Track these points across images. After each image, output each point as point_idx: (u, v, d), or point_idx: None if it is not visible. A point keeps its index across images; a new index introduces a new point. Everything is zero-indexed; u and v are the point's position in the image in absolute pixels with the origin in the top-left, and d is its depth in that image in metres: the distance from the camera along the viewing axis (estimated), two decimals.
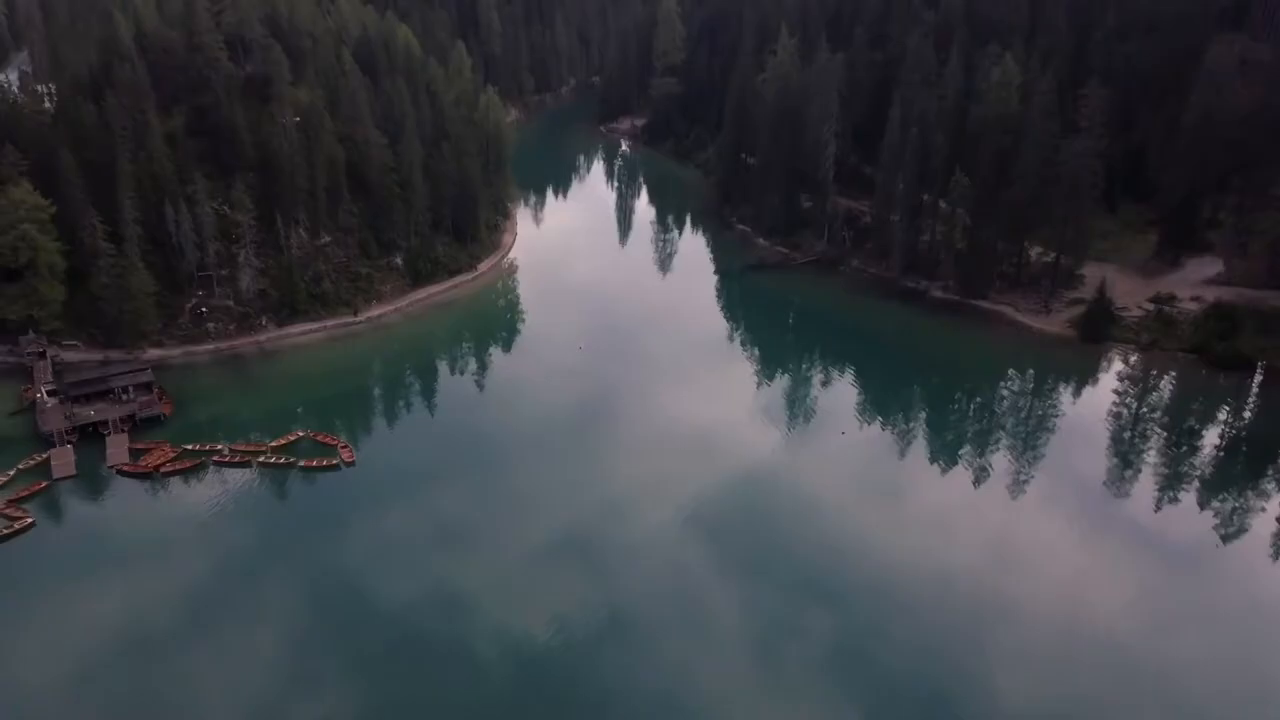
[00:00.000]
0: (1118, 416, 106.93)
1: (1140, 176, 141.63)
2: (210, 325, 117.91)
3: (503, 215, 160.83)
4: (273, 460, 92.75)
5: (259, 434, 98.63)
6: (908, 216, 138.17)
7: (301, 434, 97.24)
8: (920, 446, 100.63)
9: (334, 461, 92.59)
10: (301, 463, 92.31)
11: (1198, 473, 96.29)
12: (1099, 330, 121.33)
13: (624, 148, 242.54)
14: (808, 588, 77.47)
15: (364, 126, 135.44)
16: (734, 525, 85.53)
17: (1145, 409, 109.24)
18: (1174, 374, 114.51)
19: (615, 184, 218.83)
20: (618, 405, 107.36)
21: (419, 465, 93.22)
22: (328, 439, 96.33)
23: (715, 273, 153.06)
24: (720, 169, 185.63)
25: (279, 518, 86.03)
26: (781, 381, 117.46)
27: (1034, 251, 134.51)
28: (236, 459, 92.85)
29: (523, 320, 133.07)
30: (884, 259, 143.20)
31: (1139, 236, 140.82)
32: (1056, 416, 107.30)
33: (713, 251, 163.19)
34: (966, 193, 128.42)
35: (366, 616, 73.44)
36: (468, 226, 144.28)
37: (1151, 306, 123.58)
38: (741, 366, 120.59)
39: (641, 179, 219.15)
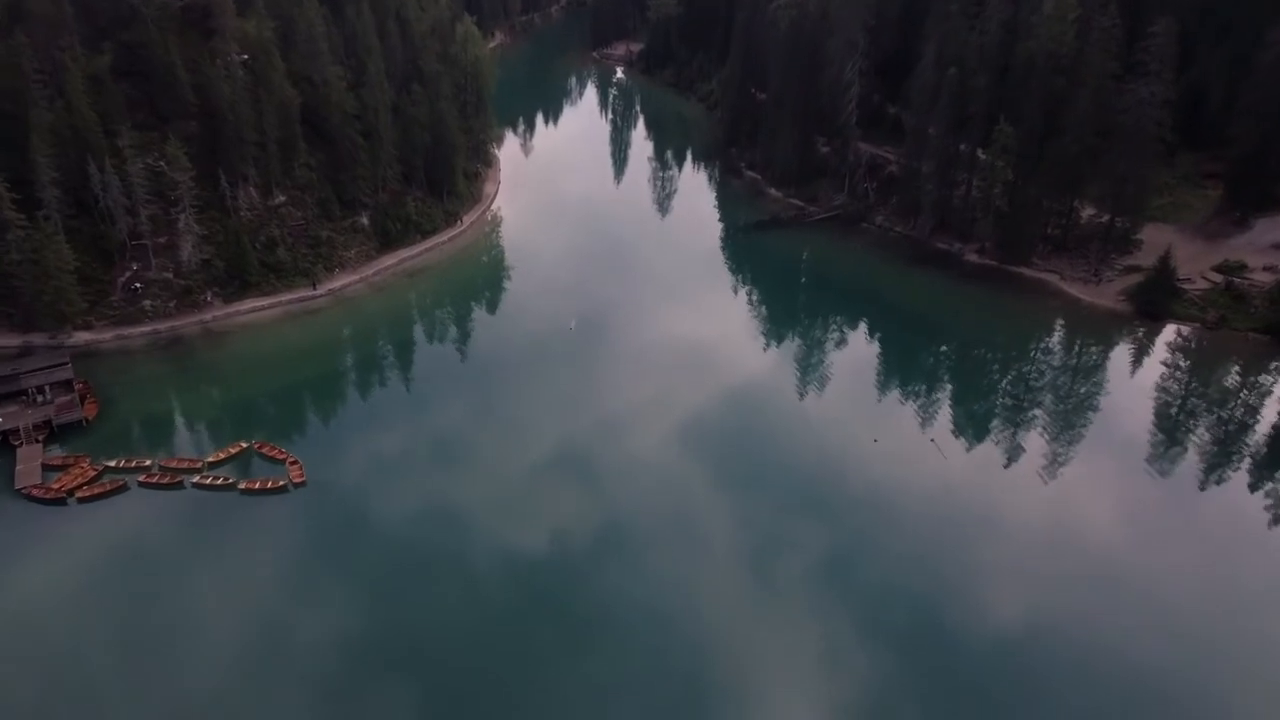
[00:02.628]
0: (1179, 410, 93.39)
1: (1199, 121, 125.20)
2: (147, 303, 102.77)
3: (483, 163, 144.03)
4: (209, 480, 78.99)
5: (197, 442, 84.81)
6: (941, 169, 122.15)
7: (245, 445, 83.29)
8: (958, 447, 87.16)
9: (280, 482, 78.81)
10: (242, 484, 78.52)
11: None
12: (1158, 305, 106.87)
13: (619, 74, 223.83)
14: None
15: (323, 65, 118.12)
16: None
17: (1217, 407, 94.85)
18: (1246, 359, 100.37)
19: (609, 117, 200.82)
20: (616, 396, 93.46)
21: (380, 484, 79.14)
22: (275, 452, 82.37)
23: (721, 230, 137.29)
24: (726, 105, 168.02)
25: (208, 561, 70.66)
26: (793, 359, 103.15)
27: (1085, 212, 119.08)
28: (166, 479, 79.02)
29: (507, 288, 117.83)
30: (912, 216, 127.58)
31: (1198, 192, 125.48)
32: (1105, 415, 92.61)
33: (718, 203, 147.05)
34: (1010, 143, 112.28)
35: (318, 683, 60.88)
36: (444, 179, 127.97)
37: (1219, 278, 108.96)
38: (752, 344, 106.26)
39: (639, 111, 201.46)
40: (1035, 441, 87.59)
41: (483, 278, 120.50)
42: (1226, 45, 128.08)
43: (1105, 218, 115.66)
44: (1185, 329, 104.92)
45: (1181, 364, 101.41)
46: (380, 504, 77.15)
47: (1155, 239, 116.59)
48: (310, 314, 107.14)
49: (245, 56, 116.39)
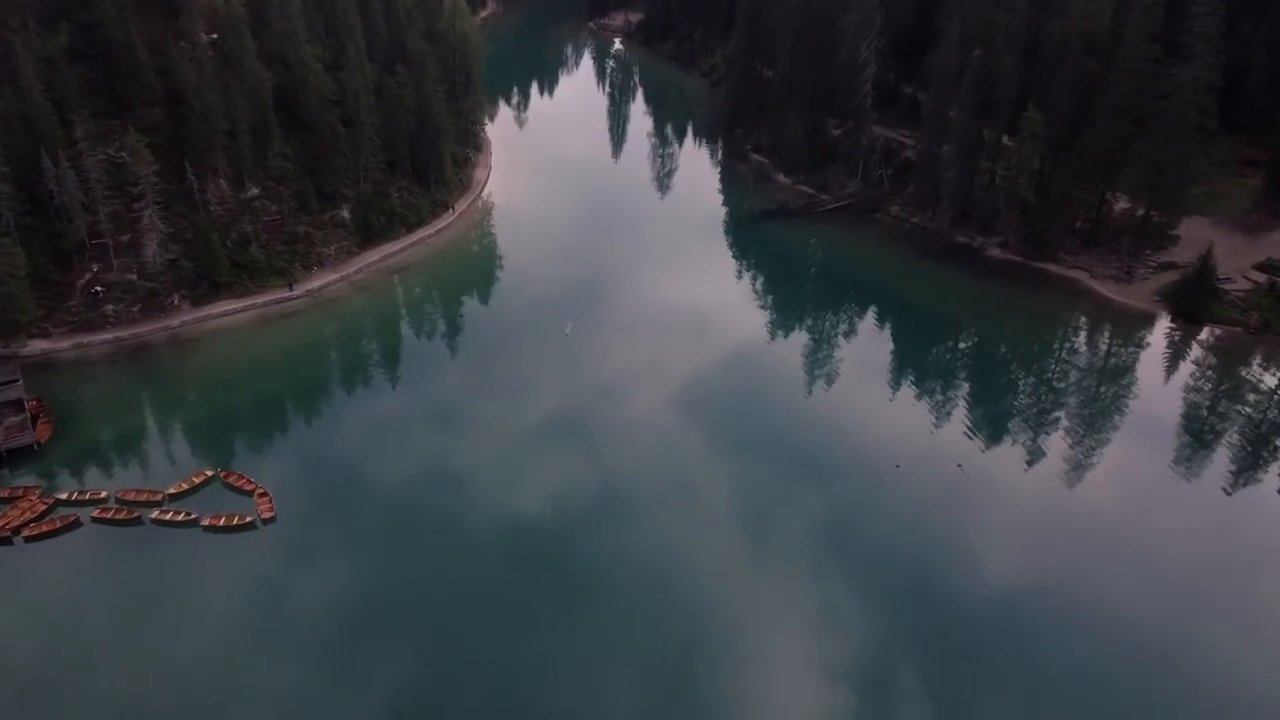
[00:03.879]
0: (1223, 426, 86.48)
1: (1238, 103, 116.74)
2: (108, 308, 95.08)
3: (474, 147, 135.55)
4: (169, 515, 71.93)
5: (158, 469, 77.45)
6: (962, 156, 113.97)
7: (210, 473, 76.14)
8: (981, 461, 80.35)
9: (248, 518, 71.73)
10: (205, 520, 71.46)
11: None
12: (1197, 307, 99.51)
13: (617, 45, 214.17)
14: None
15: (298, 44, 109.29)
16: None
17: (1268, 427, 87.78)
18: None
19: (607, 91, 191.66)
20: (615, 400, 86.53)
21: (357, 519, 72.10)
22: (243, 482, 75.20)
23: (727, 220, 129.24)
24: (730, 82, 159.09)
25: (160, 614, 62.99)
26: (800, 358, 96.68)
27: (1117, 205, 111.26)
28: (123, 514, 71.93)
29: (499, 285, 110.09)
30: (929, 206, 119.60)
31: (1235, 180, 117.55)
32: (1139, 431, 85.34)
33: (723, 190, 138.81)
34: (1038, 130, 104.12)
35: None
36: (431, 166, 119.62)
37: (1262, 277, 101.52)
38: (757, 343, 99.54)
39: (637, 84, 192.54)
40: (1058, 444, 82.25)
41: (473, 274, 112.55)
42: (1268, 20, 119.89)
43: (1140, 211, 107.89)
44: (1225, 333, 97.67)
45: (1224, 373, 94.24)
46: (355, 542, 70.11)
47: (1190, 233, 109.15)
48: (286, 318, 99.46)
49: (214, 35, 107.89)
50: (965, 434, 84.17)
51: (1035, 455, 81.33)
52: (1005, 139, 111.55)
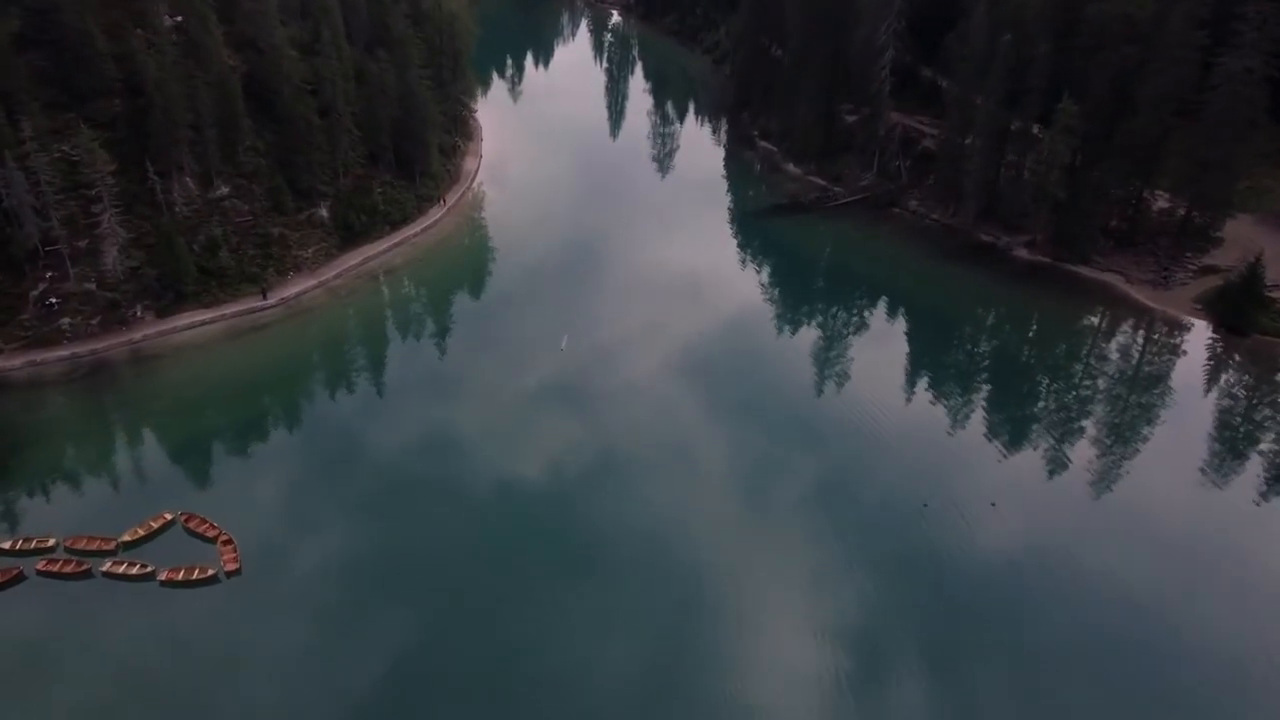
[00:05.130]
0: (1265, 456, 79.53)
1: None
2: (65, 321, 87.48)
3: (462, 135, 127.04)
4: (122, 568, 64.91)
5: (113, 511, 70.07)
6: (988, 149, 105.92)
7: (170, 516, 69.00)
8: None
9: (209, 571, 64.74)
10: (163, 575, 64.47)
11: None
12: (1243, 317, 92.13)
13: (615, 18, 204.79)
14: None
15: (271, 27, 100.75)
16: None
17: None
18: None
19: (604, 66, 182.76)
20: (621, 428, 79.50)
21: (334, 570, 65.20)
22: (205, 527, 68.06)
23: (734, 214, 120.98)
24: (736, 61, 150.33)
25: (112, 687, 56.23)
26: (810, 361, 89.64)
27: (1155, 204, 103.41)
28: (71, 566, 64.93)
29: (491, 288, 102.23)
30: (951, 201, 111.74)
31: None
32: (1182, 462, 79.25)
33: (729, 180, 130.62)
34: (1073, 122, 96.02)
35: None
36: (416, 158, 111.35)
37: None
38: (763, 345, 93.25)
39: (636, 58, 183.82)
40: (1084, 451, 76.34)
41: (463, 276, 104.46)
42: None
43: (1181, 210, 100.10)
44: (1272, 343, 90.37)
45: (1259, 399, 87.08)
46: (328, 600, 62.97)
47: (1233, 232, 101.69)
48: (258, 330, 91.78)
49: (178, 18, 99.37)
50: (984, 439, 79.33)
51: (1057, 465, 75.78)
52: (1035, 130, 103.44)
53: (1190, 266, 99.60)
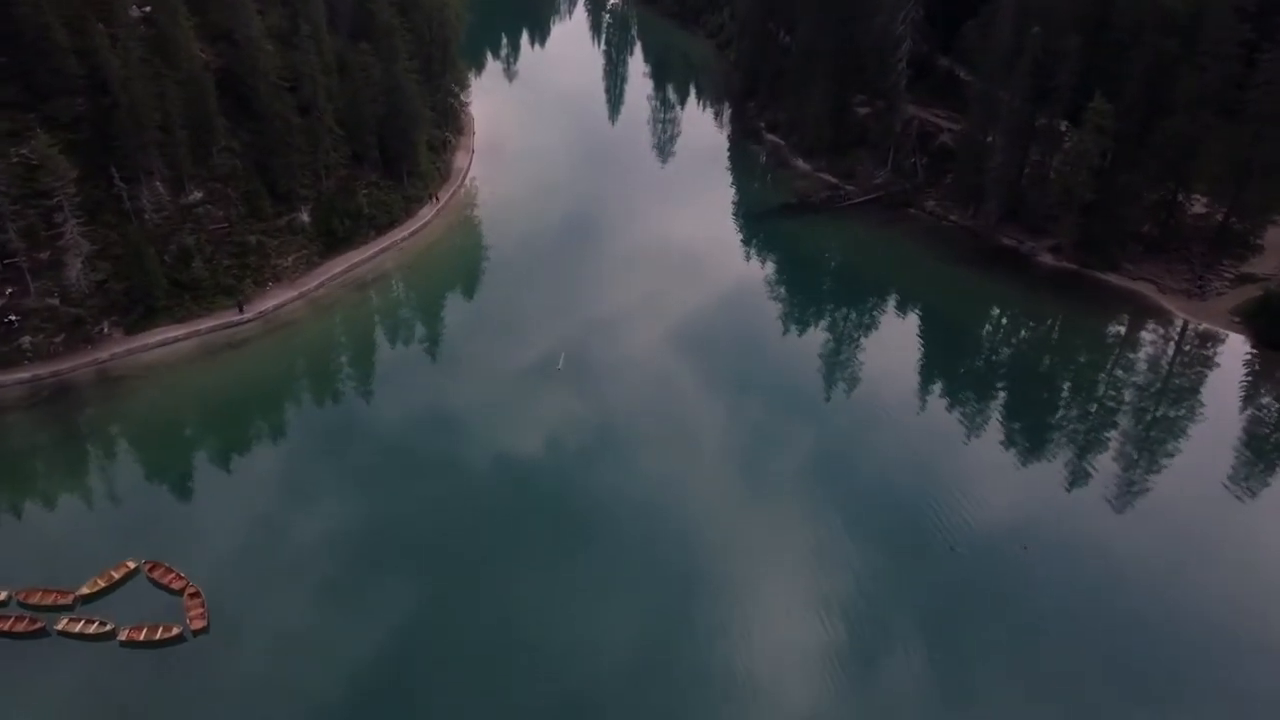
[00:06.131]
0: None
1: None
2: (26, 340, 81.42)
3: (453, 130, 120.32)
4: (79, 625, 59.46)
5: (72, 559, 64.27)
6: (1012, 147, 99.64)
7: (133, 565, 63.49)
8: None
9: (174, 630, 59.25)
10: (123, 634, 59.09)
11: None
12: None
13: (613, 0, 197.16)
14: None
15: (246, 17, 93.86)
16: None
17: None
18: None
19: (603, 48, 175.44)
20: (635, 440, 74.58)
21: (314, 628, 59.85)
22: (171, 578, 62.48)
23: (740, 212, 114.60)
24: (741, 47, 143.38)
25: None
26: (820, 377, 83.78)
27: (1191, 208, 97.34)
28: (24, 624, 59.38)
29: (486, 300, 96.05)
30: (970, 202, 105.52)
31: None
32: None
33: (733, 174, 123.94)
34: (1106, 122, 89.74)
35: None
36: (403, 156, 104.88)
37: None
38: (770, 347, 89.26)
39: (635, 37, 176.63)
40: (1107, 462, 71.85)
41: (453, 285, 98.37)
42: None
43: (1219, 215, 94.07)
44: None
45: None
46: (306, 660, 57.70)
47: (1274, 239, 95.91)
48: (235, 346, 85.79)
49: (146, 8, 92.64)
50: (999, 449, 76.46)
51: (1080, 486, 71.58)
52: (1063, 127, 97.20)
53: (1227, 275, 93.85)
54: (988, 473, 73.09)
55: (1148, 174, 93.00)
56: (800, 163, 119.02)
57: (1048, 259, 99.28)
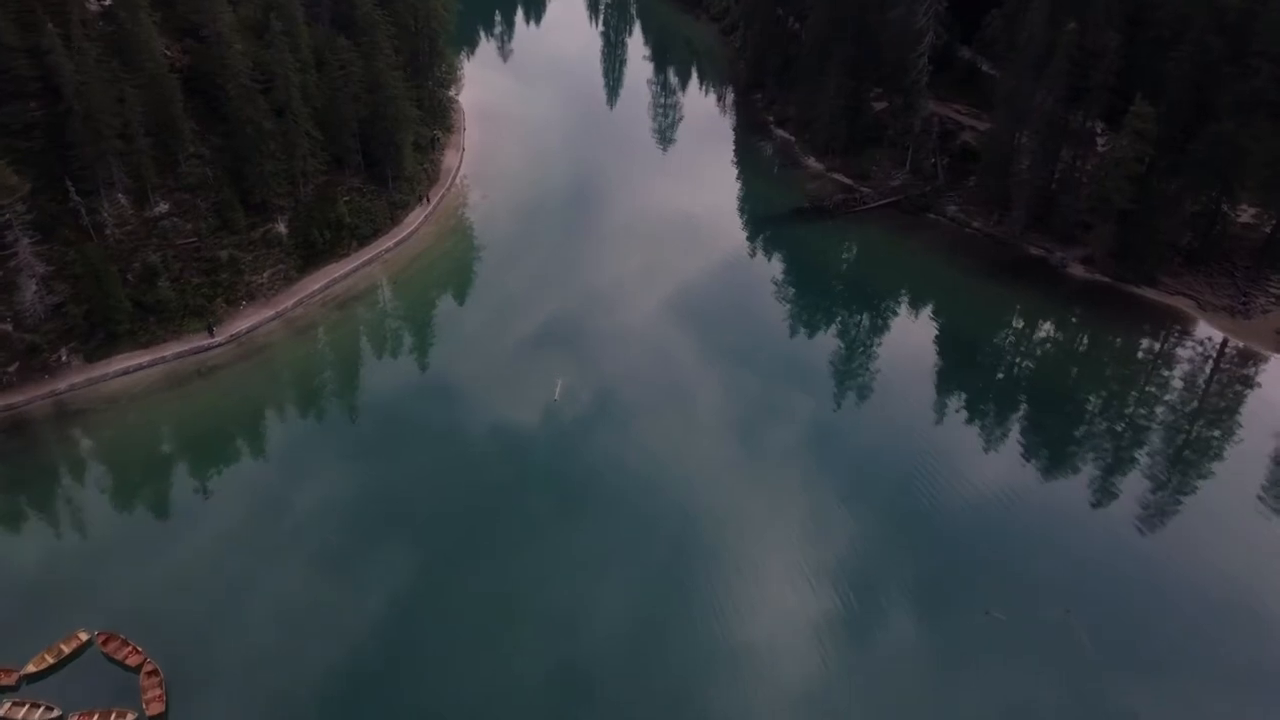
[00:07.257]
0: None
1: None
2: None
3: (443, 127, 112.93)
4: (23, 710, 53.41)
5: (18, 630, 58.28)
6: (1043, 150, 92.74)
7: (85, 637, 57.49)
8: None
9: (127, 717, 53.20)
10: (74, 717, 53.28)
11: None
12: None
13: None
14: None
15: (215, 11, 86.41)
16: None
17: None
18: None
19: (600, 30, 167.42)
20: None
21: (288, 704, 54.07)
22: (128, 651, 56.31)
23: (746, 216, 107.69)
24: (748, 34, 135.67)
25: None
26: (831, 382, 77.51)
27: (1238, 218, 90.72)
28: None
29: (477, 317, 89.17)
30: (995, 207, 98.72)
31: None
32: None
33: (740, 174, 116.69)
34: (1148, 128, 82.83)
35: None
36: (387, 159, 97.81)
37: None
38: (775, 352, 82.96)
39: (634, 15, 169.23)
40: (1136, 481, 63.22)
41: (442, 300, 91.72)
42: None
43: (1268, 226, 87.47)
44: None
45: None
46: None
47: None
48: (205, 374, 79.35)
49: (105, 3, 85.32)
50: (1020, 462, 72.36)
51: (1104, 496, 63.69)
52: (1099, 130, 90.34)
53: (1273, 291, 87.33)
54: (1013, 495, 68.95)
55: (1189, 181, 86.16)
56: (812, 162, 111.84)
57: (1079, 270, 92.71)
